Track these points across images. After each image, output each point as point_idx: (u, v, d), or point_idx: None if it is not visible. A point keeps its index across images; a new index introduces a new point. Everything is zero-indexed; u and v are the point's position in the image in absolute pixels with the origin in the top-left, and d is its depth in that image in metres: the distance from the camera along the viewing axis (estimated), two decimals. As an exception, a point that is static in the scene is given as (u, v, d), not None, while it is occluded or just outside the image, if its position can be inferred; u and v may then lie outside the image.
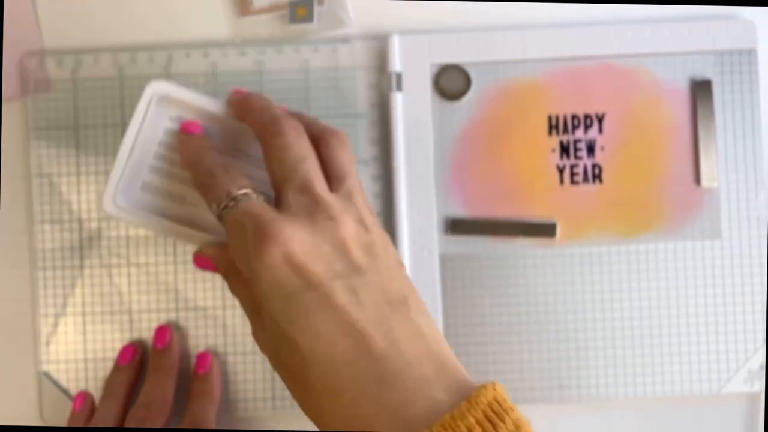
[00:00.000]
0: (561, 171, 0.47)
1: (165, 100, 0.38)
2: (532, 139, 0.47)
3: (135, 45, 0.47)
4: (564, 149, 0.47)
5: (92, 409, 0.45)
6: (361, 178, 0.37)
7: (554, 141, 0.47)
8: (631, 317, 0.46)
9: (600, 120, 0.47)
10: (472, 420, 0.28)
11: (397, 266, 0.35)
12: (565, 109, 0.47)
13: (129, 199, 0.37)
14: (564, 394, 0.46)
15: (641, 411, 0.47)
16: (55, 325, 0.46)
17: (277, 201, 0.35)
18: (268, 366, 0.45)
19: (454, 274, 0.46)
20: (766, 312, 0.46)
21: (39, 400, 0.46)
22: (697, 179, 0.47)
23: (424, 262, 0.46)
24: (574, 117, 0.47)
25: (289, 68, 0.46)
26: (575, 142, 0.47)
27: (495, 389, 0.30)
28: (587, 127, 0.47)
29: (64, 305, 0.46)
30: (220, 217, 0.35)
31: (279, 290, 0.31)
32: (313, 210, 0.33)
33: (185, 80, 0.46)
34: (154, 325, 0.46)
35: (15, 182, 0.47)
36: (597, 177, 0.47)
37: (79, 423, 0.45)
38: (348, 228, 0.33)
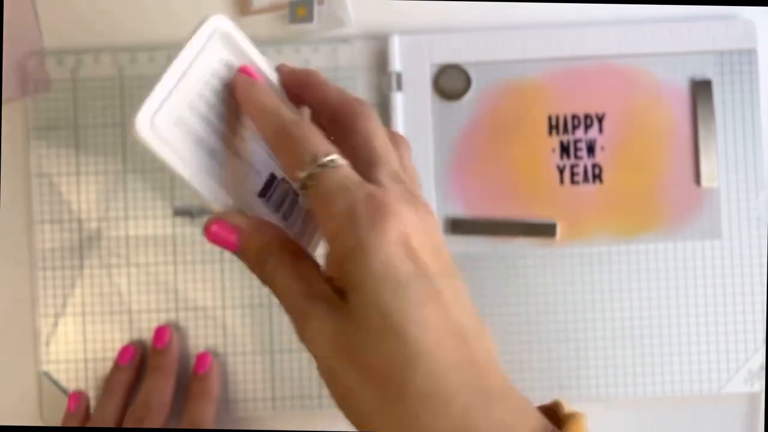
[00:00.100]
0: (561, 171, 0.47)
1: (224, 39, 0.34)
2: (532, 139, 0.47)
3: (135, 45, 0.47)
4: (564, 149, 0.47)
5: (87, 409, 0.45)
6: None
7: (554, 141, 0.47)
8: (631, 317, 0.46)
9: (600, 120, 0.47)
10: None
11: None
12: (565, 109, 0.47)
13: (162, 128, 0.32)
14: (564, 394, 0.46)
15: (641, 411, 0.47)
16: (55, 325, 0.46)
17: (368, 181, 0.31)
18: (268, 366, 0.45)
19: (454, 274, 0.46)
20: (766, 312, 0.46)
21: (39, 400, 0.46)
22: (697, 179, 0.47)
23: (424, 262, 0.46)
24: (574, 117, 0.47)
25: (289, 68, 0.46)
26: (575, 142, 0.47)
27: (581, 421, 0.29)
28: (587, 127, 0.47)
29: (64, 305, 0.46)
30: (304, 184, 0.30)
31: (393, 272, 0.27)
32: (412, 200, 0.30)
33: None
34: (154, 325, 0.46)
35: (15, 182, 0.47)
36: (597, 177, 0.47)
37: (74, 423, 0.45)
38: (439, 229, 0.32)
